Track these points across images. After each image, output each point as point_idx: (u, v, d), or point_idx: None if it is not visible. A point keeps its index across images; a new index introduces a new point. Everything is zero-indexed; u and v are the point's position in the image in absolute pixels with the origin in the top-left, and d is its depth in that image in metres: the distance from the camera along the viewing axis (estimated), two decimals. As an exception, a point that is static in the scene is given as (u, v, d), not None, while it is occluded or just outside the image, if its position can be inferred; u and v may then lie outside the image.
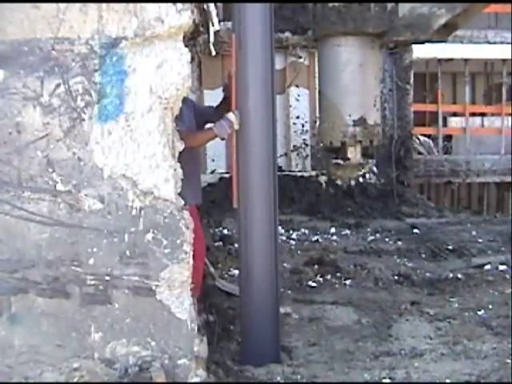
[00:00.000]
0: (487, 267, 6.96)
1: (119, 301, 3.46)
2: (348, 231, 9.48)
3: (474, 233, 9.17)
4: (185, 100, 3.65)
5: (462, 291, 6.09)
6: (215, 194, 10.93)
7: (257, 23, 4.10)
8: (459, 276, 6.65)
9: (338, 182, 11.68)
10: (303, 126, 12.59)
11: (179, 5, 3.34)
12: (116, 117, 3.38)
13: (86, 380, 3.46)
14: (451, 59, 13.99)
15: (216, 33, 4.05)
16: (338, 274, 6.74)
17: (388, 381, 4.05)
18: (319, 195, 11.59)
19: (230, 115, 4.21)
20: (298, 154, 12.62)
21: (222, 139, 4.43)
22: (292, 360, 4.39)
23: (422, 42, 6.89)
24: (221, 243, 8.15)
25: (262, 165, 4.19)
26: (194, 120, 4.74)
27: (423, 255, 7.72)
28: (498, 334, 4.84)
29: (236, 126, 4.19)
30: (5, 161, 3.38)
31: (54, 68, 3.35)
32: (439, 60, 13.87)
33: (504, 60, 14.05)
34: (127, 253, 3.43)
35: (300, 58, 12.42)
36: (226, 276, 6.55)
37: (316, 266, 7.03)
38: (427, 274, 6.79)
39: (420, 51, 12.48)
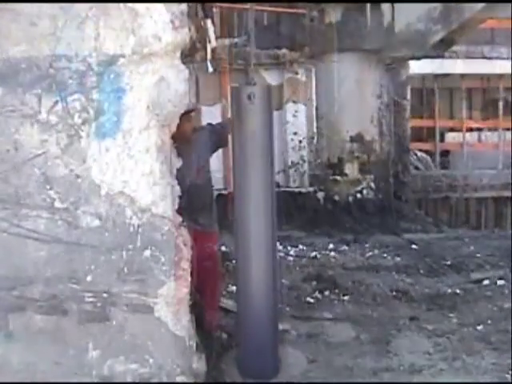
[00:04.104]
0: (486, 282, 6.95)
1: (117, 318, 3.44)
2: (346, 247, 9.46)
3: (472, 248, 9.15)
4: None
5: (461, 306, 6.07)
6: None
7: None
8: (458, 291, 6.64)
9: (336, 197, 11.64)
10: (300, 142, 12.56)
11: (176, 22, 3.34)
12: (113, 134, 3.37)
13: (83, 398, 3.44)
14: (448, 74, 14.02)
15: (213, 50, 4.06)
16: (337, 290, 6.71)
17: (387, 397, 4.04)
18: (317, 211, 11.55)
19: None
20: (295, 171, 12.59)
21: None
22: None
23: (419, 58, 6.91)
24: (219, 260, 8.10)
25: (260, 182, 4.18)
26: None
27: (421, 271, 7.69)
28: (498, 349, 4.84)
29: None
30: (2, 178, 3.37)
31: (52, 85, 3.35)
32: (436, 75, 13.91)
33: (500, 75, 14.09)
34: (125, 270, 3.42)
35: (297, 73, 12.44)
36: (224, 293, 6.52)
37: (314, 282, 7.01)
38: (426, 290, 6.77)
39: (417, 66, 12.48)
